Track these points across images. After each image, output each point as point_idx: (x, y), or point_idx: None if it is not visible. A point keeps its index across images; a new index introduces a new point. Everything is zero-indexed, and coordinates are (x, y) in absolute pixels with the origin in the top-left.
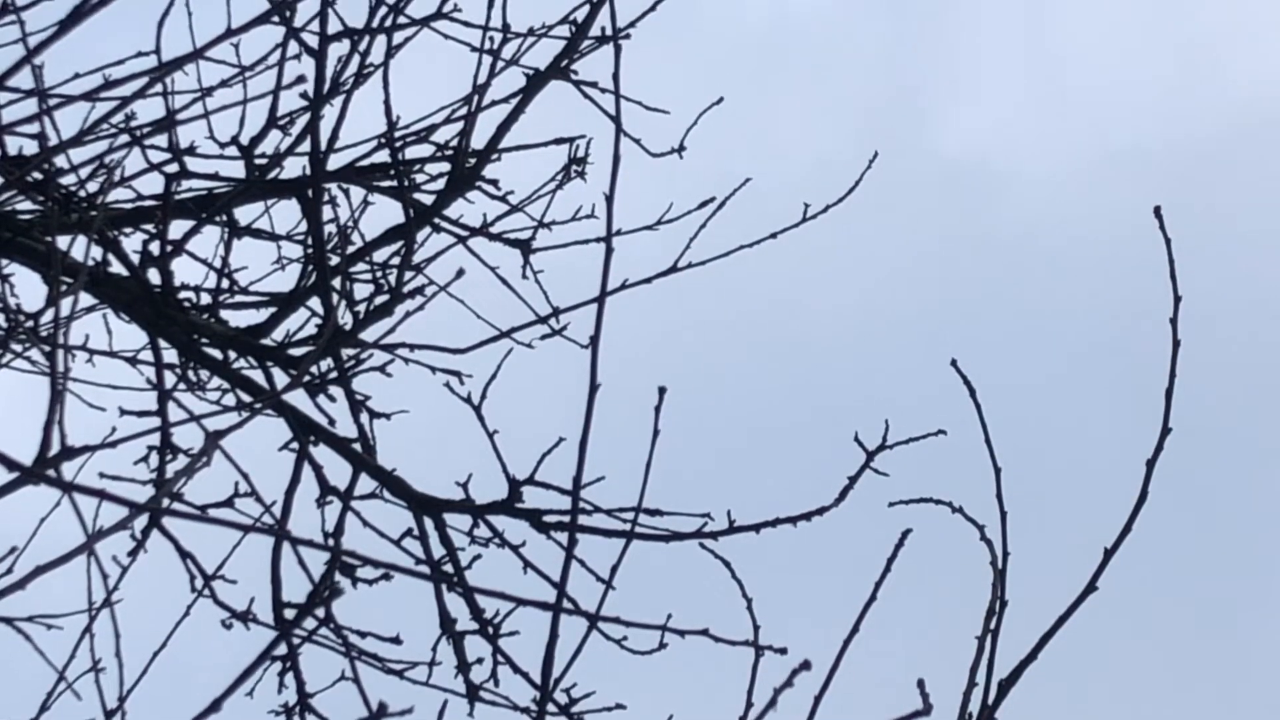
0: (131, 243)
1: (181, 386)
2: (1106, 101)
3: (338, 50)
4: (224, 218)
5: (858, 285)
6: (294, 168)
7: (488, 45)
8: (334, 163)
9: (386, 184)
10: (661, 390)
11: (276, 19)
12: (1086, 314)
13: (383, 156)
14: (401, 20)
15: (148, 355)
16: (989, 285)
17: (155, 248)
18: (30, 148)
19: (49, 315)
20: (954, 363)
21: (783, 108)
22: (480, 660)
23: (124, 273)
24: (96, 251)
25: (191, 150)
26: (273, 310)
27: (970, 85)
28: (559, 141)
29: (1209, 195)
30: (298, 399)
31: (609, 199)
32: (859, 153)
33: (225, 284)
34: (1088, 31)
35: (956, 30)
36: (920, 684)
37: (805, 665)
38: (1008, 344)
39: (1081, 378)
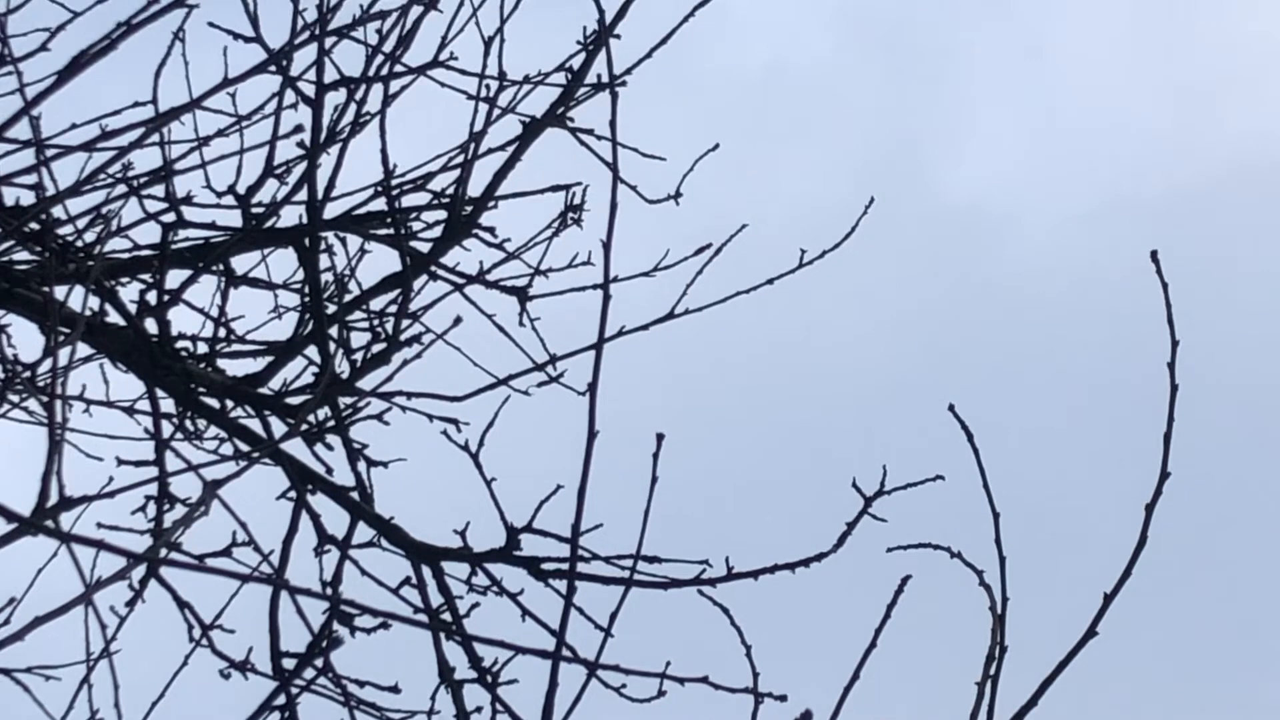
0: (129, 292)
1: (179, 436)
2: (1104, 148)
3: (334, 99)
4: (221, 267)
5: (856, 331)
6: (291, 216)
7: (484, 93)
8: (331, 211)
9: (383, 232)
10: (659, 437)
11: (273, 68)
12: (1085, 359)
13: (379, 204)
14: (398, 69)
15: (145, 405)
16: (987, 331)
17: (152, 297)
18: (28, 198)
19: (46, 365)
20: (951, 408)
21: (782, 155)
22: (479, 709)
23: (121, 322)
24: (94, 301)
25: (188, 200)
26: (270, 359)
27: (969, 133)
28: (555, 188)
29: (1207, 240)
30: (295, 448)
31: (606, 246)
32: (858, 199)
33: (222, 333)
34: (1085, 79)
35: (955, 78)
36: None
37: (807, 715)
38: (1006, 389)
39: (1080, 422)
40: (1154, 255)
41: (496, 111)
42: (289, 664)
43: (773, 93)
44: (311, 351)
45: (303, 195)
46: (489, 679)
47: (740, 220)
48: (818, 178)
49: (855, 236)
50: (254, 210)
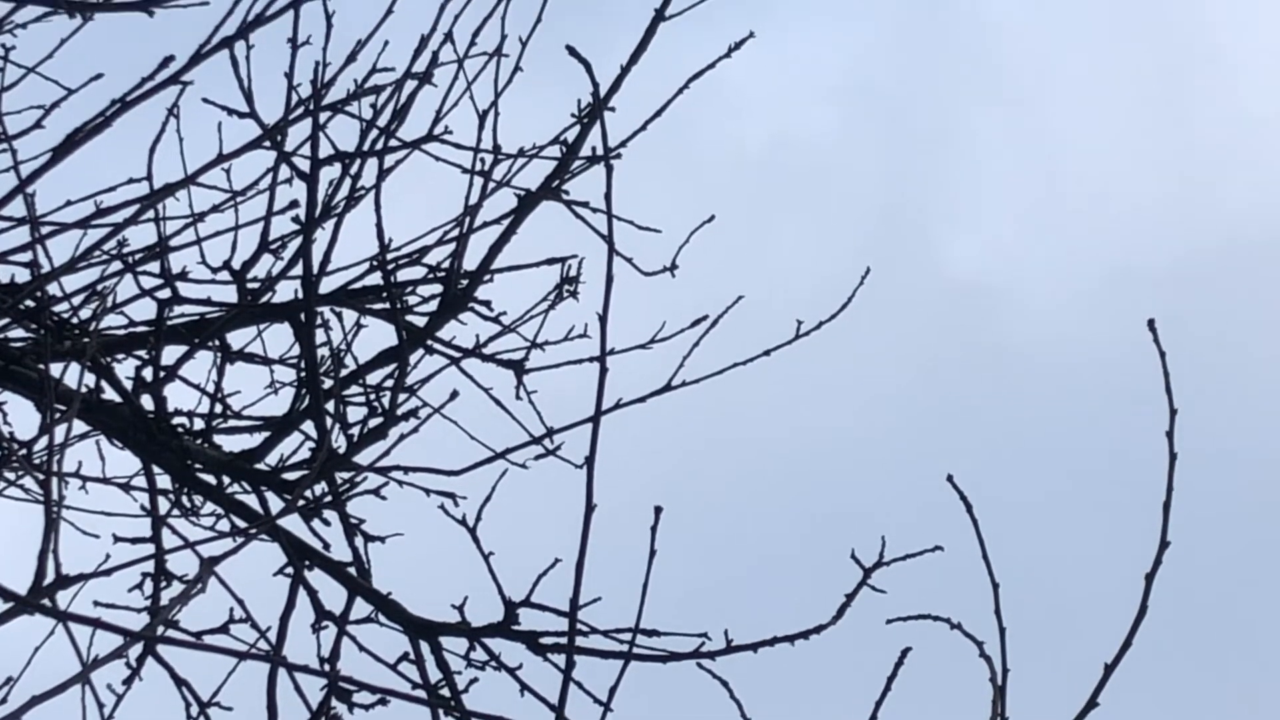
0: (124, 369)
1: (176, 512)
2: (1106, 222)
3: (329, 174)
4: (217, 343)
5: (855, 402)
6: (286, 291)
7: (479, 167)
8: (326, 286)
9: (379, 306)
10: (657, 510)
11: (268, 144)
12: (1084, 430)
13: (375, 279)
14: (393, 143)
15: (141, 481)
16: (987, 402)
17: (148, 374)
18: (23, 275)
19: (42, 443)
20: (950, 478)
21: (783, 228)
22: None
23: (117, 399)
24: (89, 378)
25: (184, 275)
26: (266, 435)
27: (971, 206)
28: (551, 261)
29: (1209, 313)
30: (292, 523)
31: (602, 320)
32: (859, 272)
33: (218, 409)
34: (1087, 153)
35: (958, 153)
36: None
37: None
38: (1005, 460)
39: (1079, 492)
40: (1151, 325)
41: (491, 185)
42: None
43: (775, 167)
44: (308, 427)
45: (298, 270)
46: None
47: (743, 292)
48: (820, 251)
49: (857, 309)
50: (249, 286)
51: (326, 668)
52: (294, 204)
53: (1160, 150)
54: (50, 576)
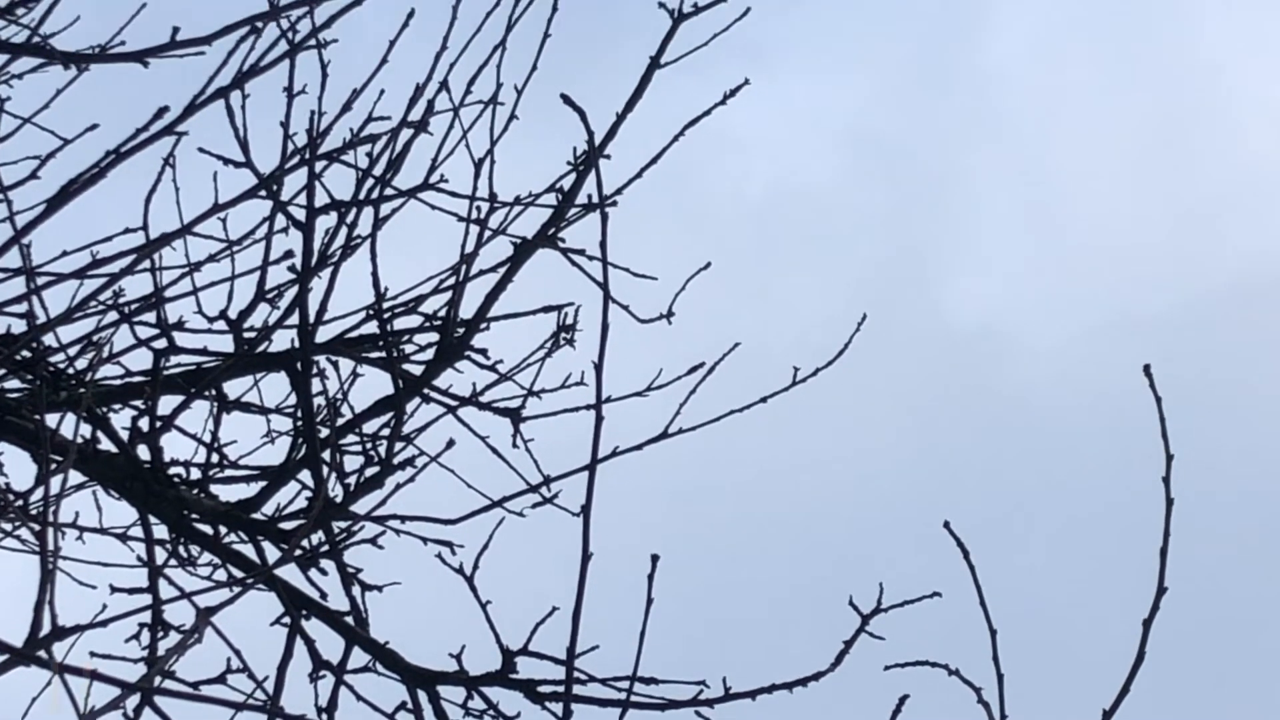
0: (121, 419)
1: (173, 562)
2: (1107, 266)
3: (325, 222)
4: (213, 392)
5: (854, 448)
6: (283, 340)
7: (475, 215)
8: (322, 335)
9: (375, 355)
10: (654, 558)
11: (264, 193)
12: (1082, 475)
13: (371, 328)
14: (389, 192)
15: (138, 531)
16: (985, 447)
17: (144, 424)
18: (19, 326)
19: (39, 493)
20: (947, 525)
21: (784, 275)
22: None
23: (113, 449)
24: (85, 429)
25: (180, 325)
26: (263, 484)
27: (972, 252)
28: (547, 309)
29: (1210, 356)
30: (289, 573)
31: (598, 368)
32: (860, 316)
33: (215, 459)
34: (1088, 197)
35: (959, 198)
36: None
37: None
38: (1002, 505)
39: (1077, 538)
40: (1147, 370)
41: (487, 233)
42: None
43: (777, 213)
44: (305, 476)
45: (294, 319)
46: None
47: (743, 339)
48: (821, 297)
49: (859, 355)
50: (246, 335)
51: (324, 717)
52: (289, 254)
53: (1161, 195)
54: (47, 628)
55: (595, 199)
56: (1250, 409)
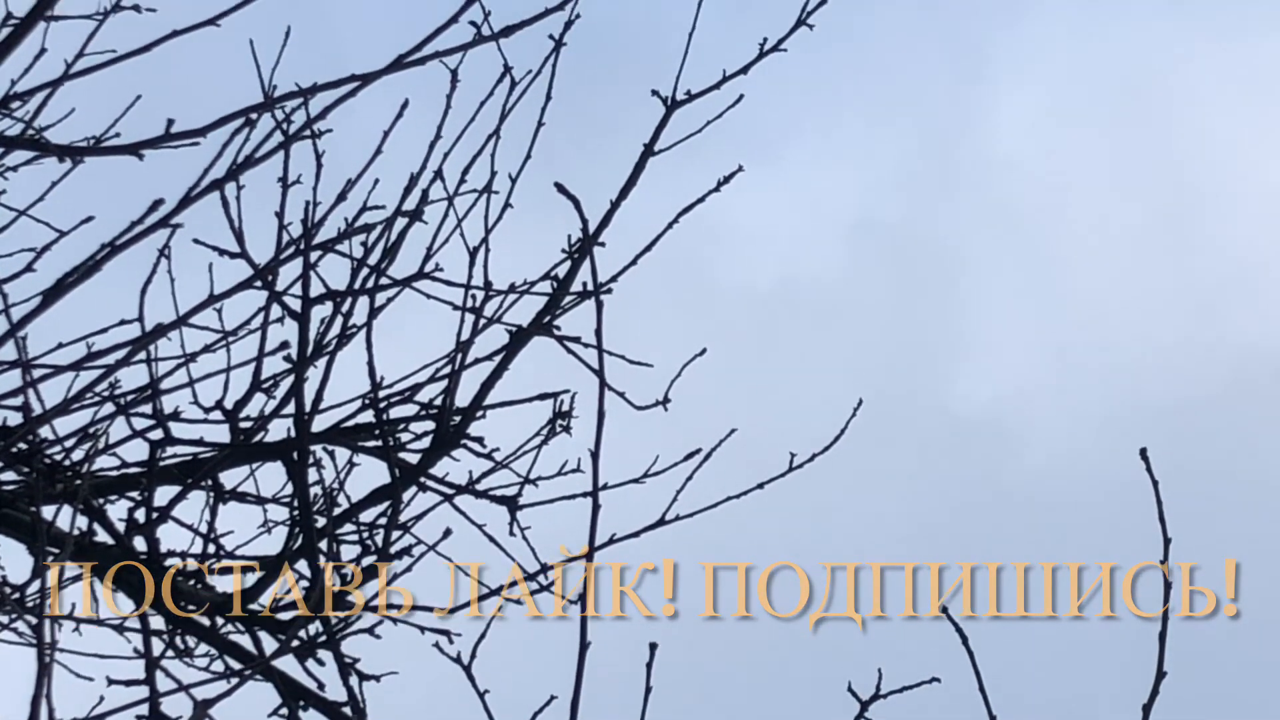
0: (117, 510)
1: (170, 654)
2: (1113, 356)
3: (321, 312)
4: (209, 483)
5: (856, 534)
6: (279, 430)
7: (470, 303)
8: (319, 424)
9: (371, 444)
10: (653, 646)
11: (259, 284)
12: (1081, 559)
13: (367, 417)
14: (384, 281)
15: (135, 623)
16: (985, 534)
17: (141, 515)
18: (14, 418)
19: (35, 586)
20: (945, 609)
21: (788, 362)
22: None
23: (110, 541)
24: (82, 521)
25: (176, 416)
26: (260, 575)
27: (978, 341)
28: (543, 397)
29: (1216, 445)
30: (287, 664)
31: (594, 457)
32: (869, 407)
33: (211, 549)
34: (1094, 285)
35: (965, 287)
36: None
37: None
38: (1002, 590)
39: (1076, 623)
40: (1143, 454)
41: (483, 322)
42: None
43: (781, 303)
44: (302, 566)
45: (291, 409)
46: None
47: (739, 426)
48: (824, 386)
49: (864, 444)
50: (242, 425)
51: None
52: (285, 345)
53: (1167, 281)
54: None
55: (590, 287)
56: (1255, 496)
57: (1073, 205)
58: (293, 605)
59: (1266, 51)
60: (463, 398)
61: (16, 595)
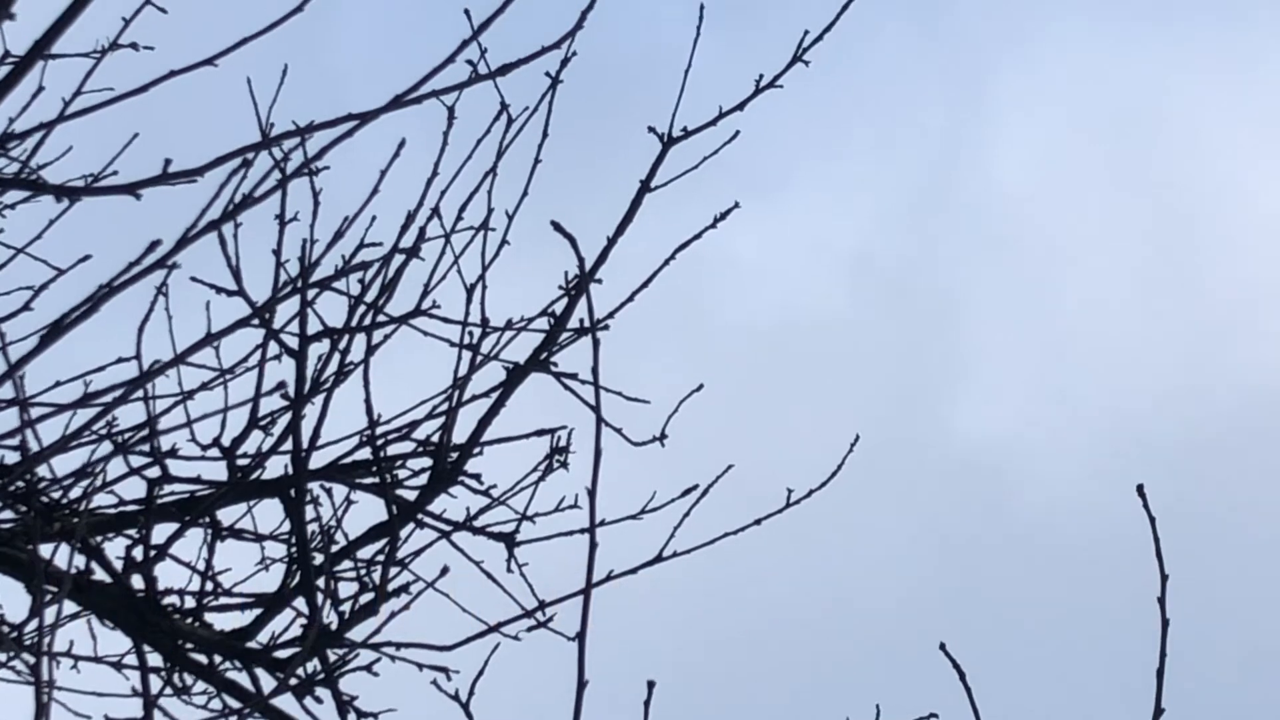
0: (115, 547)
1: (168, 692)
2: (1114, 391)
3: (318, 349)
4: (207, 520)
5: (855, 571)
6: (276, 467)
7: (467, 340)
8: (316, 461)
9: (369, 481)
10: (650, 684)
11: (256, 322)
12: (1081, 598)
13: (365, 454)
14: (381, 318)
15: (133, 660)
16: (985, 570)
17: (138, 553)
18: (12, 457)
19: (33, 624)
20: (942, 646)
21: (787, 398)
22: None
23: (107, 579)
24: (80, 559)
25: (173, 453)
26: (258, 612)
27: (978, 377)
28: (540, 433)
29: (1217, 480)
30: (285, 702)
31: (591, 494)
32: (868, 444)
33: (209, 586)
34: (1095, 320)
35: (966, 322)
36: None
37: None
38: (1001, 626)
39: (1074, 659)
40: (1140, 490)
41: (480, 358)
42: None
43: (780, 339)
44: (300, 603)
45: (288, 446)
46: None
47: (738, 462)
48: (823, 421)
49: (864, 480)
50: (239, 462)
51: None
52: (282, 385)
53: (1168, 317)
54: None
55: (587, 323)
56: (1255, 533)
57: (1074, 237)
58: (291, 643)
59: (1267, 84)
60: (460, 434)
61: (14, 634)
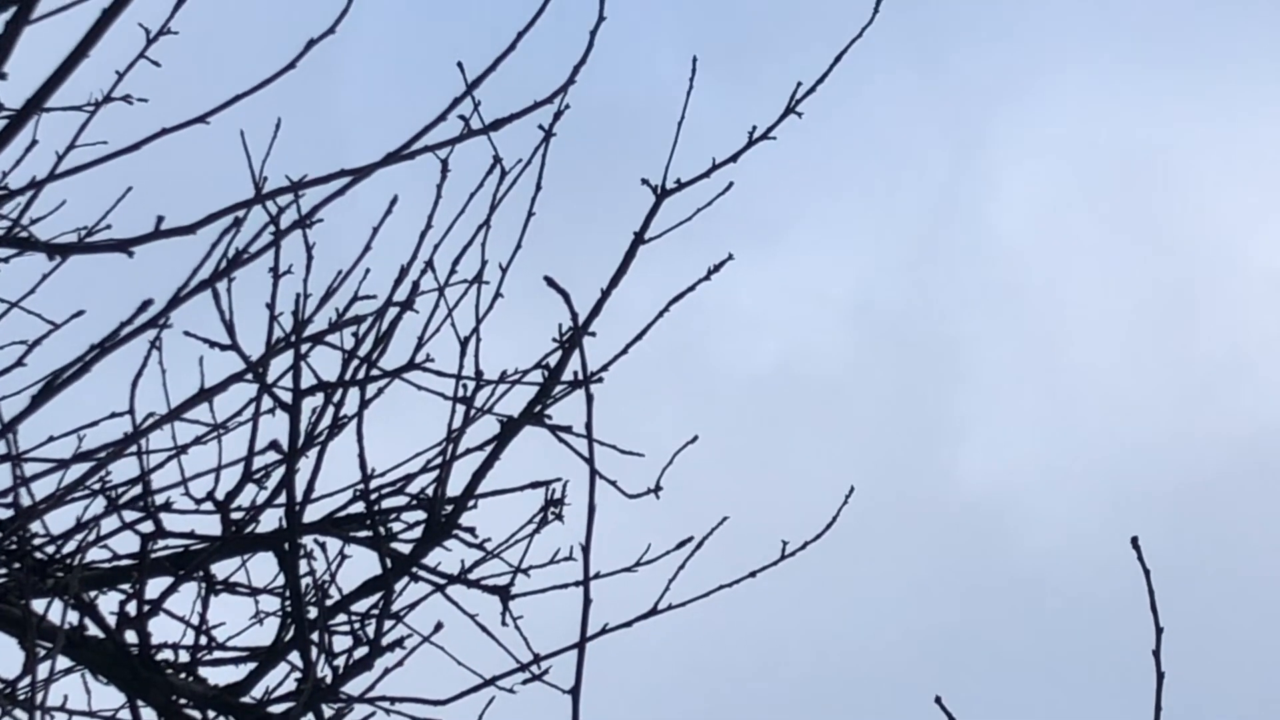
0: (108, 603)
1: None
2: (1115, 440)
3: (312, 403)
4: (201, 574)
5: (853, 621)
6: (270, 521)
7: (461, 393)
8: (310, 515)
9: (363, 534)
10: None
11: (250, 376)
12: (1078, 648)
13: (359, 507)
14: (375, 372)
15: (126, 716)
16: (981, 618)
17: (132, 608)
18: (4, 513)
19: (26, 680)
20: (938, 700)
21: (787, 449)
22: None
23: (101, 634)
24: (73, 615)
25: (167, 507)
26: (252, 666)
27: (979, 425)
28: (535, 485)
29: (1215, 533)
30: None
31: (585, 549)
32: (868, 492)
33: (203, 641)
34: (1095, 368)
35: (966, 370)
36: None
37: None
38: (999, 676)
39: (1069, 711)
40: (1134, 542)
41: (474, 411)
42: None
43: (780, 389)
44: (294, 657)
45: (282, 500)
46: None
47: (735, 514)
48: (824, 471)
49: (864, 529)
50: (233, 516)
51: None
52: (275, 444)
53: (1167, 370)
54: None
55: (581, 376)
56: (1252, 582)
57: (1074, 285)
58: (285, 698)
59: (1265, 135)
60: (454, 487)
61: (8, 689)
